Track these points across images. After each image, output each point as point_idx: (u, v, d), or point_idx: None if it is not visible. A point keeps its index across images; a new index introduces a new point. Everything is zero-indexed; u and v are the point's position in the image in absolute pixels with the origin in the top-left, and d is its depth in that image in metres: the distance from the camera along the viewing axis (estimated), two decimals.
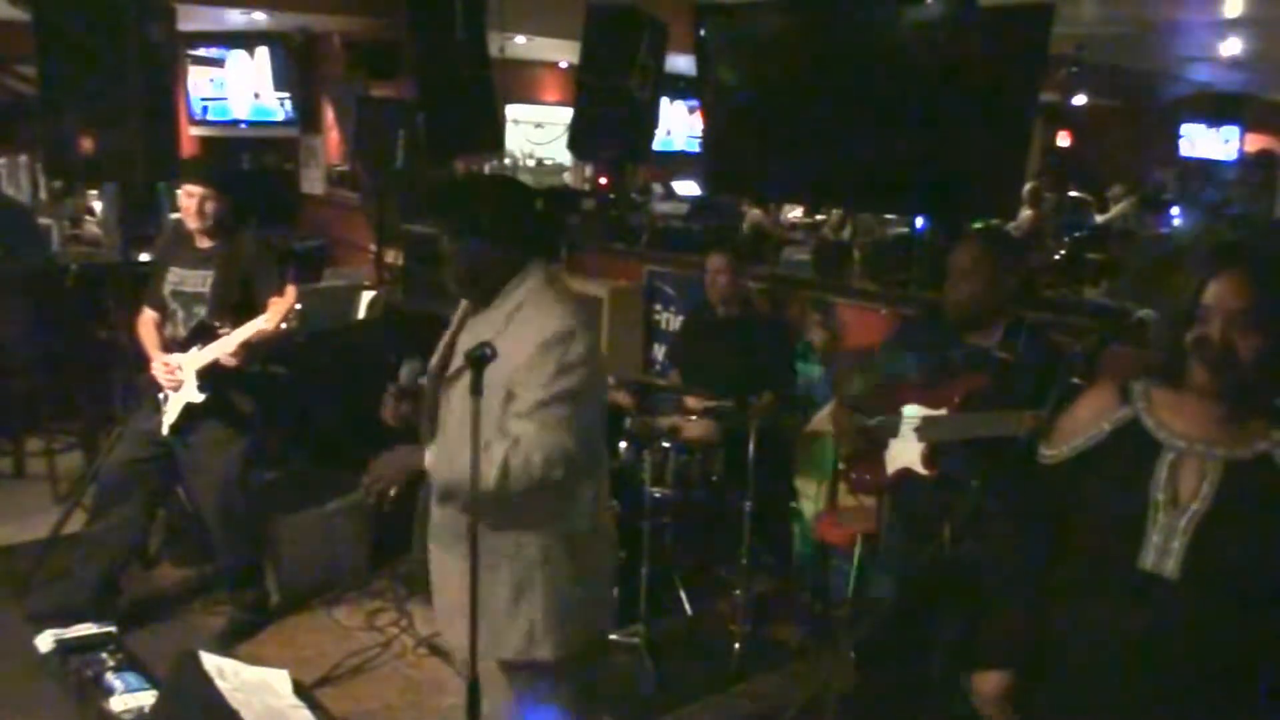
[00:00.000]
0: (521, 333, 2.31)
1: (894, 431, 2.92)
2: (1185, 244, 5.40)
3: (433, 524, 2.56)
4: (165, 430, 3.73)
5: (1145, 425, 1.83)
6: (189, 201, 3.71)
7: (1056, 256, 8.38)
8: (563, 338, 2.28)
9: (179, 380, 3.68)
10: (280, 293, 3.52)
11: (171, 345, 3.76)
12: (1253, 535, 1.72)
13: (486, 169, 9.26)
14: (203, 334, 3.67)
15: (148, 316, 3.89)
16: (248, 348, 3.57)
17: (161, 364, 3.71)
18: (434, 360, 2.53)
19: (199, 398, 3.67)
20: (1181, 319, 1.76)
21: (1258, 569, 1.71)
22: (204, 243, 3.79)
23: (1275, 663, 1.74)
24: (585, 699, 2.64)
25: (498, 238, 2.36)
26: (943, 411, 2.81)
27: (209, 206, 3.71)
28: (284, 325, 3.50)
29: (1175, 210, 10.93)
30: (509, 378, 2.28)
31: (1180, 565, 1.73)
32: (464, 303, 2.56)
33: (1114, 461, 1.85)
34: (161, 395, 3.75)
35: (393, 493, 2.39)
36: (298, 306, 3.49)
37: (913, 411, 2.88)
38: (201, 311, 3.72)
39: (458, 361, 2.38)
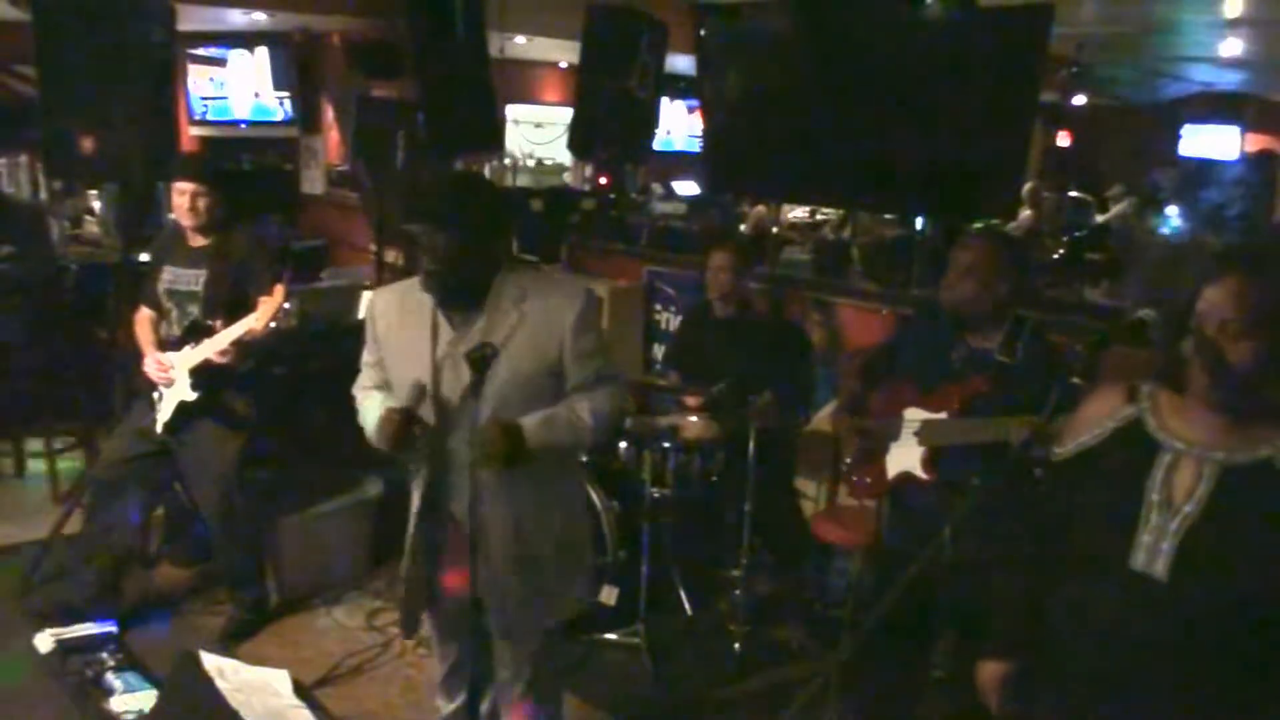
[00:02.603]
0: (548, 311, 2.40)
1: (894, 435, 2.92)
2: (1186, 246, 5.40)
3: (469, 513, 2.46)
4: (159, 428, 3.73)
5: (1147, 426, 1.83)
6: (181, 199, 3.69)
7: (1056, 255, 8.37)
8: (590, 299, 2.48)
9: (170, 378, 3.68)
10: (269, 291, 3.49)
11: (167, 344, 3.76)
12: (1245, 540, 1.71)
13: (486, 169, 9.27)
14: (196, 332, 3.65)
15: (144, 315, 3.88)
16: (239, 346, 3.55)
17: (154, 361, 3.71)
18: (422, 378, 2.44)
19: (192, 396, 3.66)
20: (1177, 325, 1.76)
21: (1248, 573, 1.70)
22: (198, 240, 3.77)
23: (1265, 666, 1.73)
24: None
25: (479, 236, 2.38)
26: (942, 415, 2.81)
27: (202, 203, 3.69)
28: (274, 324, 3.46)
29: (1171, 210, 10.90)
30: (556, 354, 2.40)
31: (1169, 566, 1.73)
32: (386, 327, 2.54)
33: (1113, 460, 1.86)
34: (156, 393, 3.75)
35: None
36: (287, 306, 3.45)
37: (913, 415, 2.88)
38: (195, 310, 3.71)
39: (467, 371, 2.33)
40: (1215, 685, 1.75)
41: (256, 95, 8.77)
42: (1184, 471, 1.77)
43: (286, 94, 8.75)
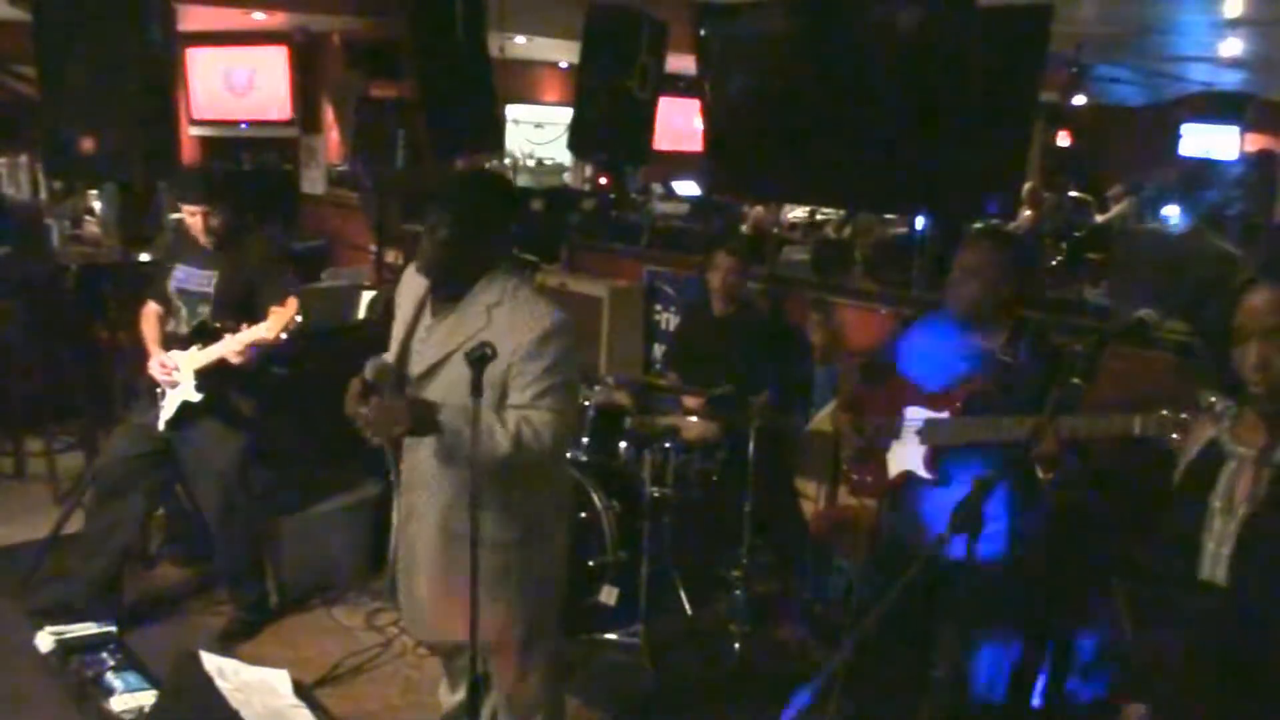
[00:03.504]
0: (511, 325, 2.43)
1: (895, 434, 2.92)
2: (1182, 243, 5.40)
3: (412, 512, 2.62)
4: (161, 426, 3.73)
5: (1222, 440, 1.84)
6: (193, 220, 3.72)
7: (1054, 263, 8.36)
8: (557, 331, 2.43)
9: (175, 379, 3.68)
10: (282, 303, 3.49)
11: (173, 341, 3.76)
12: None
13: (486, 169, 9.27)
14: (203, 334, 3.66)
15: (150, 310, 3.88)
16: (253, 349, 3.55)
17: (159, 363, 3.71)
18: (391, 356, 2.61)
19: (196, 397, 3.66)
20: (1221, 337, 1.77)
21: None
22: (210, 243, 3.78)
23: None
24: (557, 674, 2.84)
25: (482, 232, 2.47)
26: (944, 414, 2.81)
27: (214, 222, 3.70)
28: (285, 335, 3.47)
29: (1169, 210, 10.91)
30: (503, 370, 2.41)
31: (1229, 571, 1.73)
32: (401, 300, 2.68)
33: (1194, 478, 1.87)
34: (159, 390, 3.75)
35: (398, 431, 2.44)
36: (299, 318, 3.46)
37: (915, 414, 2.88)
38: (205, 310, 3.71)
39: (429, 356, 2.51)
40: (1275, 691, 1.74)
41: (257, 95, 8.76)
42: (1244, 477, 1.77)
43: (286, 94, 8.74)
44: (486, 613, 2.43)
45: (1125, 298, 5.19)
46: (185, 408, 3.69)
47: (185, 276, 3.78)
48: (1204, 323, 1.89)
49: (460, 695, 2.93)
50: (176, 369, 3.67)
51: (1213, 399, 1.88)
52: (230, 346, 3.54)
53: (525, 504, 2.58)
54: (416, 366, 2.55)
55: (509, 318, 2.44)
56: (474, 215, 2.46)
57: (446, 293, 2.52)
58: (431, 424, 2.38)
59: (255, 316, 3.56)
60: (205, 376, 3.65)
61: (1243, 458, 1.78)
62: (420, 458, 2.56)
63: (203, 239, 3.74)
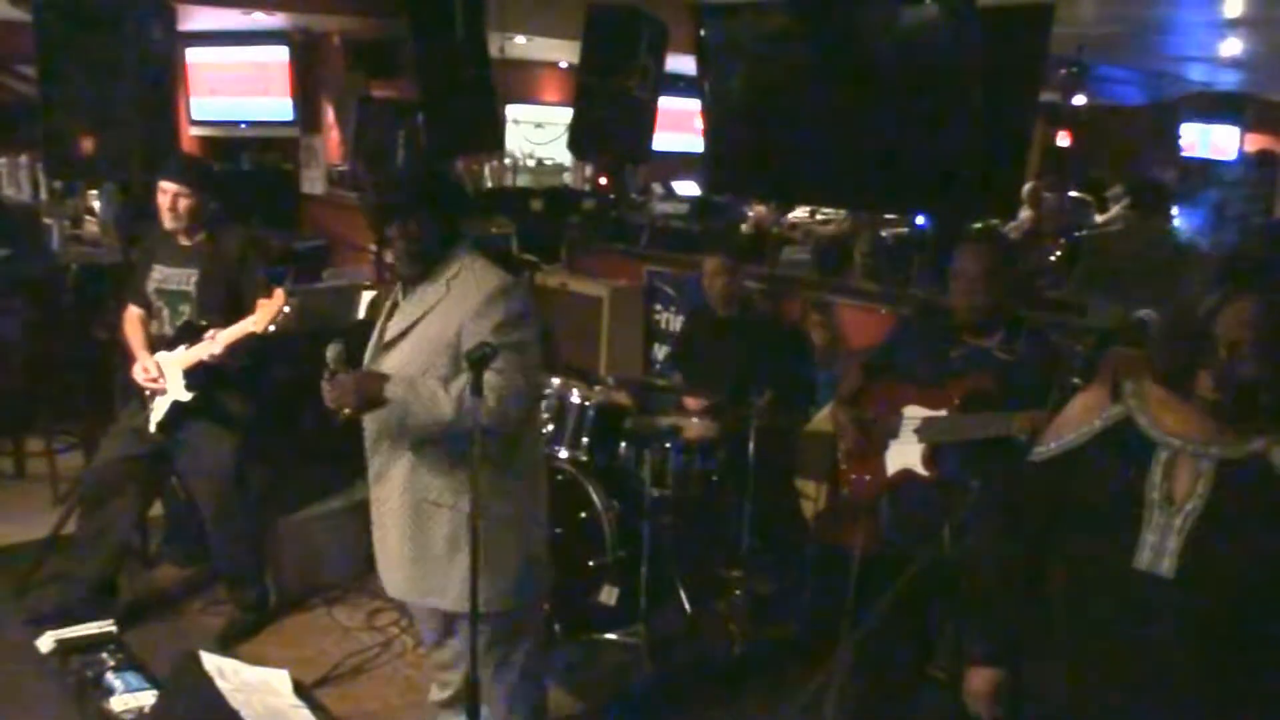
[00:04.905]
0: (464, 291, 2.57)
1: (893, 432, 2.92)
2: (1131, 241, 5.42)
3: (380, 474, 2.71)
4: (152, 428, 3.72)
5: (1138, 423, 1.84)
6: (163, 198, 3.65)
7: (1053, 258, 8.35)
8: (504, 291, 2.56)
9: (160, 386, 3.66)
10: (268, 294, 3.45)
11: (158, 343, 3.74)
12: (1247, 534, 1.72)
13: (486, 169, 9.28)
14: (189, 334, 3.63)
15: (133, 314, 3.85)
16: (230, 346, 3.51)
17: (141, 368, 3.68)
18: (371, 341, 2.72)
19: (187, 397, 3.65)
20: (1190, 336, 1.77)
21: (1252, 567, 1.71)
22: (186, 240, 3.73)
23: (1270, 662, 1.74)
24: (536, 655, 2.89)
25: (437, 221, 2.61)
26: (943, 413, 2.82)
27: (182, 204, 3.64)
28: (274, 328, 3.42)
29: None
30: (455, 332, 2.52)
31: (1176, 564, 1.74)
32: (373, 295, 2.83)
33: (1106, 459, 1.86)
34: (148, 393, 3.73)
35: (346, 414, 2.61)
36: (286, 309, 3.41)
37: (913, 412, 2.89)
38: (187, 310, 3.69)
39: (393, 331, 2.64)
40: (1222, 680, 1.76)
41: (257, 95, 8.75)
42: (1182, 469, 1.77)
43: (286, 94, 8.74)
44: (446, 576, 2.60)
45: (1096, 293, 5.21)
46: (177, 408, 3.68)
47: (164, 277, 3.73)
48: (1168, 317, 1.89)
49: (447, 694, 2.99)
50: (161, 375, 3.64)
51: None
52: (217, 346, 3.50)
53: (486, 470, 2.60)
54: (388, 360, 2.65)
55: (462, 286, 2.58)
56: (427, 207, 2.60)
57: (415, 280, 2.65)
58: (379, 397, 2.51)
59: (240, 311, 3.53)
60: (194, 375, 3.62)
61: (1178, 450, 1.78)
62: (383, 418, 2.62)
63: (168, 221, 3.67)
